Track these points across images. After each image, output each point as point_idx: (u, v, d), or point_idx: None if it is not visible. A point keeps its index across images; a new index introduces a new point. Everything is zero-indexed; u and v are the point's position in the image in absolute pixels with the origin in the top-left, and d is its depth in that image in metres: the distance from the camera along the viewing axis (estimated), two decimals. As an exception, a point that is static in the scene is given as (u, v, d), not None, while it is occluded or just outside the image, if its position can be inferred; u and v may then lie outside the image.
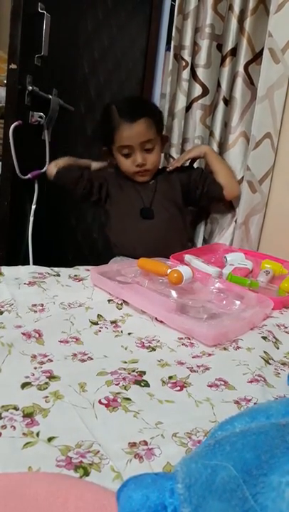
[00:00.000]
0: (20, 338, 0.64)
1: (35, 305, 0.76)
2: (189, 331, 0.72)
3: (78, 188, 1.21)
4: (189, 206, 1.31)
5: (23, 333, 0.65)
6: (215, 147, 1.36)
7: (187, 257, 1.09)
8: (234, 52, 1.28)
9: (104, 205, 1.25)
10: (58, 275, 0.91)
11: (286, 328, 0.79)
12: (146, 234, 1.19)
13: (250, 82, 1.27)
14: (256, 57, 1.25)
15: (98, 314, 0.76)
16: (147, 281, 0.87)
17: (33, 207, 1.34)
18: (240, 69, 1.25)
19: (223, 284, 0.91)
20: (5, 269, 0.89)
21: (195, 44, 1.34)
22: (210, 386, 0.57)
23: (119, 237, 1.24)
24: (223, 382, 0.58)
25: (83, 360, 0.60)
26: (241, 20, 1.25)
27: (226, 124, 1.32)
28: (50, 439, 0.43)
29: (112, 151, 1.21)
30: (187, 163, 1.33)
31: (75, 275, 0.92)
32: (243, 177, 1.32)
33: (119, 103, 1.20)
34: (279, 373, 0.62)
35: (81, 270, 0.96)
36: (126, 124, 1.14)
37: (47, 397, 0.51)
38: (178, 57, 1.37)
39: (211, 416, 0.50)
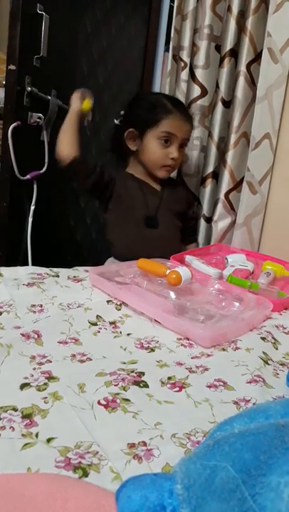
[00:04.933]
0: (19, 339, 0.64)
1: (34, 306, 0.76)
2: (186, 332, 0.72)
3: (90, 179, 1.15)
4: None
5: (22, 334, 0.65)
6: (213, 148, 1.36)
7: (188, 257, 1.09)
8: (233, 52, 1.28)
9: (107, 203, 1.20)
10: (57, 276, 0.91)
11: (285, 328, 0.79)
12: (148, 242, 1.17)
13: (252, 82, 1.27)
14: (258, 56, 1.25)
15: (97, 315, 0.76)
16: (146, 281, 0.86)
17: (32, 207, 1.34)
18: (243, 68, 1.24)
19: (223, 285, 0.91)
20: (4, 269, 0.89)
21: (194, 45, 1.34)
22: (209, 387, 0.57)
23: (119, 240, 1.21)
24: (222, 383, 0.58)
25: (82, 361, 0.60)
26: (242, 20, 1.25)
27: (228, 125, 1.32)
28: (49, 440, 0.43)
29: (144, 135, 1.16)
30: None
31: (74, 276, 0.92)
32: (243, 178, 1.32)
33: (167, 96, 1.25)
34: (278, 374, 0.62)
35: (80, 271, 0.96)
36: (180, 115, 1.16)
37: (46, 397, 0.50)
38: (177, 58, 1.38)
39: (210, 417, 0.50)
